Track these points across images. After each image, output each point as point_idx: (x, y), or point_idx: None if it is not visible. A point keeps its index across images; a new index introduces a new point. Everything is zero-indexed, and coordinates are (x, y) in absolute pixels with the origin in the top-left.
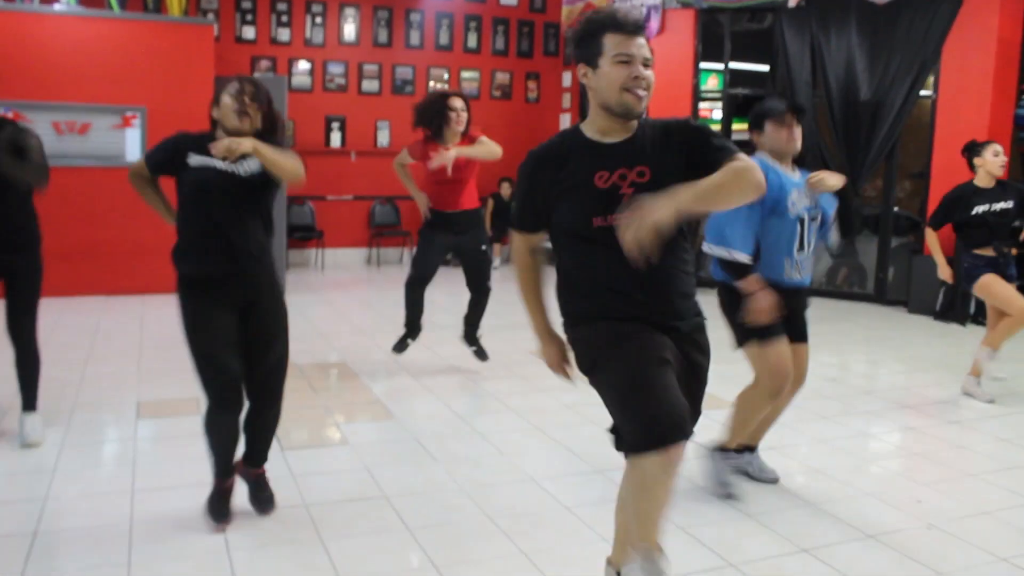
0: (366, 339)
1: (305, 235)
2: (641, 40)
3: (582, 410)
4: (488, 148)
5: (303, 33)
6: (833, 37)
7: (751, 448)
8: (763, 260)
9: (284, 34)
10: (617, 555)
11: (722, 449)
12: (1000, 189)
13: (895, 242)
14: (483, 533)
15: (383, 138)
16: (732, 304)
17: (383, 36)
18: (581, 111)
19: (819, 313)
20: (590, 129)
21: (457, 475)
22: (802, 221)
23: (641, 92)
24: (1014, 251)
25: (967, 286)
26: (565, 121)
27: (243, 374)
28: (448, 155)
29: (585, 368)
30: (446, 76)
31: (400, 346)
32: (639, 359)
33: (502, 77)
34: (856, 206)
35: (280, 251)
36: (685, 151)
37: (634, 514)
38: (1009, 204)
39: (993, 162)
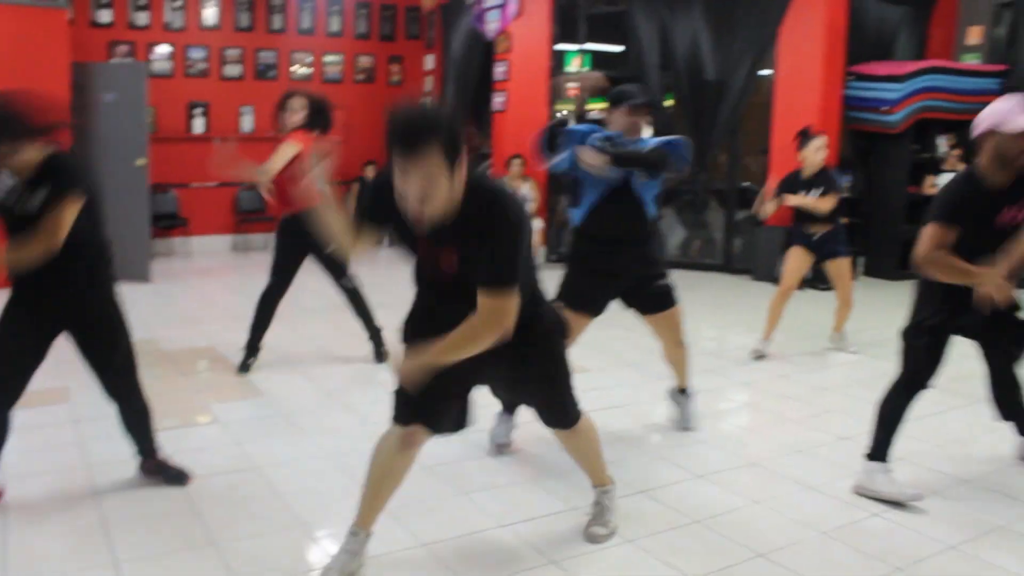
0: (234, 323)
1: (169, 223)
2: (417, 160)
3: None
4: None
5: (162, 17)
6: (680, 20)
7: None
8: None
9: (142, 18)
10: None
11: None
12: (816, 177)
13: (741, 215)
14: (349, 494)
15: (247, 123)
16: (574, 257)
17: (245, 20)
18: (442, 93)
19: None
20: None
21: (324, 444)
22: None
23: (413, 211)
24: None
25: (783, 248)
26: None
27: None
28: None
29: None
30: (309, 60)
31: (244, 367)
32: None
33: (365, 61)
34: (703, 181)
35: (143, 240)
36: (479, 234)
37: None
38: (820, 190)
39: (813, 157)
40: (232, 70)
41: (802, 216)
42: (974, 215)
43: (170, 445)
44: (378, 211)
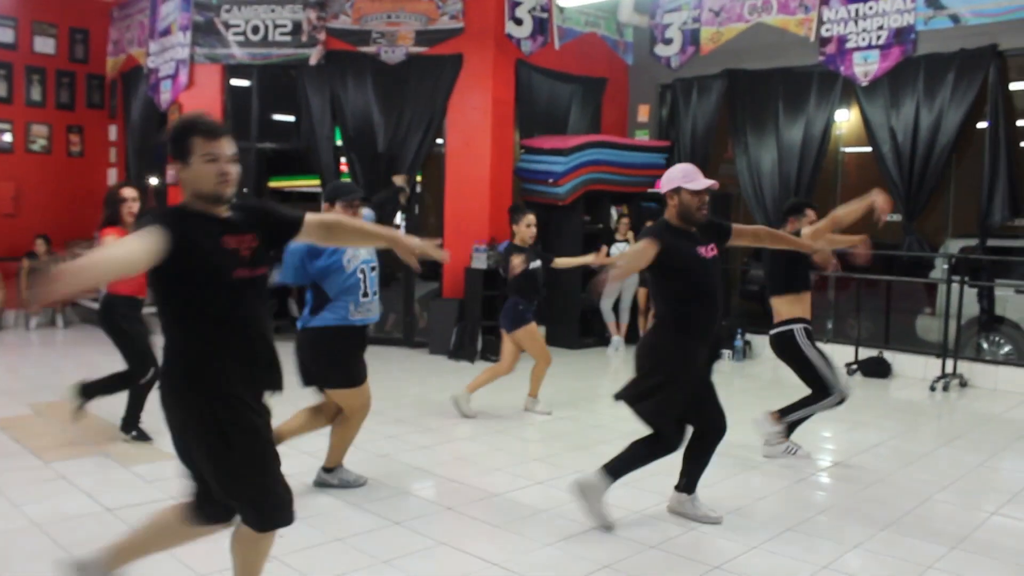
0: None
1: None
2: (225, 140)
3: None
4: None
5: None
6: (351, 93)
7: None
8: (332, 306)
9: None
10: None
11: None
12: (531, 250)
13: (422, 290)
14: None
15: None
16: (331, 351)
17: None
18: (126, 165)
19: None
20: (197, 207)
21: None
22: (363, 271)
23: (230, 183)
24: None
25: (513, 327)
26: (112, 176)
27: None
28: None
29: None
30: None
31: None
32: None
33: (39, 129)
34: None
35: None
36: (267, 225)
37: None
38: (538, 263)
39: (525, 231)
40: None
41: (528, 289)
42: (674, 248)
43: None
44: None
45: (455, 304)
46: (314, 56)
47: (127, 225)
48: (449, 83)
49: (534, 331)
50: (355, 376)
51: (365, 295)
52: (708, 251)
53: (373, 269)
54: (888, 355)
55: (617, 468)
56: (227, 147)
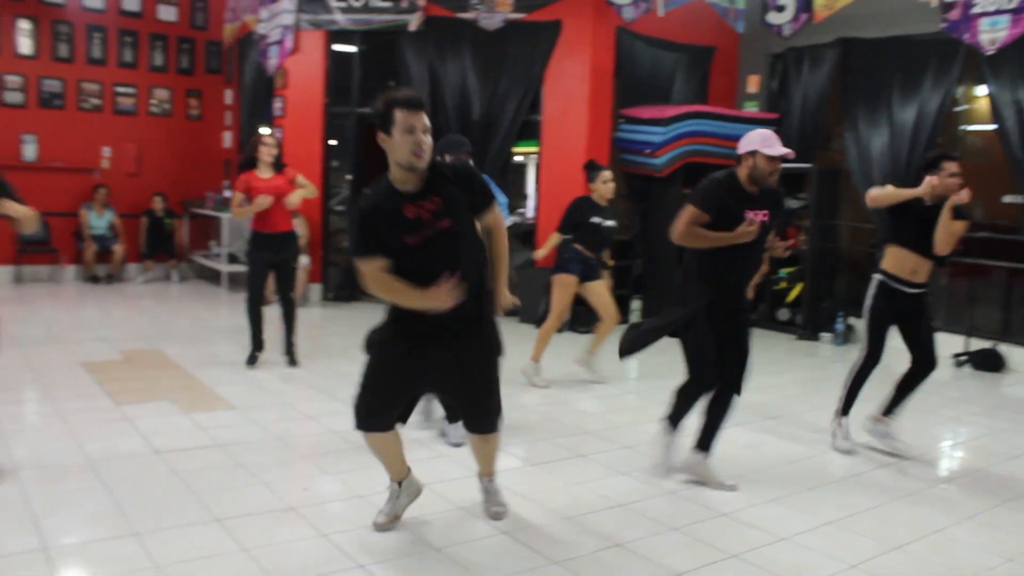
0: None
1: None
2: (422, 113)
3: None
4: (307, 190)
5: None
6: (449, 59)
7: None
8: None
9: None
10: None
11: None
12: (609, 209)
13: (522, 257)
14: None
15: (29, 152)
16: None
17: (26, 47)
18: (241, 129)
19: None
20: (394, 178)
21: None
22: None
23: (422, 154)
24: (611, 261)
25: (554, 271)
26: (227, 139)
27: None
28: (261, 202)
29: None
30: (98, 90)
31: (252, 360)
32: (383, 373)
33: (161, 93)
34: None
35: None
36: (464, 188)
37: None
38: (614, 222)
39: (604, 188)
40: (13, 97)
41: (590, 243)
42: (722, 208)
43: None
44: (382, 241)
45: (545, 273)
46: (414, 22)
47: (264, 166)
48: (547, 50)
49: (567, 283)
50: None
51: None
52: (758, 215)
53: None
54: (1004, 348)
55: (673, 416)
56: (424, 120)
